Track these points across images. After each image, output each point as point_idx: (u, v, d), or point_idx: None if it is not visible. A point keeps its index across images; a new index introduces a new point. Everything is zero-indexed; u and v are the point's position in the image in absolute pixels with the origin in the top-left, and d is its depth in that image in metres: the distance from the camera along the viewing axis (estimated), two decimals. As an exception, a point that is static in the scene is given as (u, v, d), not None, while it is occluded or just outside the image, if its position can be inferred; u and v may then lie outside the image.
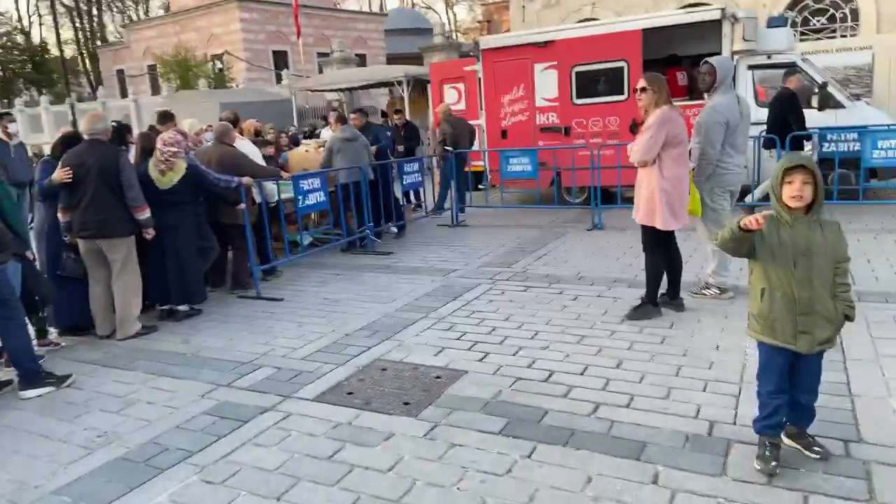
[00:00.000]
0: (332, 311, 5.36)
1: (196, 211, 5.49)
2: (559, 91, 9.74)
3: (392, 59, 31.47)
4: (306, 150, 8.34)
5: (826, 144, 8.14)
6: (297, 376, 3.98)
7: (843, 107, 8.61)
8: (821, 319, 2.54)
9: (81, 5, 44.24)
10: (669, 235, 4.63)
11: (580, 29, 9.76)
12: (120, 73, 36.34)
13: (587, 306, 5.05)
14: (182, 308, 5.40)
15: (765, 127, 8.53)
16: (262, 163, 6.46)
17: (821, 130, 8.14)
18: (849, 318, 2.58)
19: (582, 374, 3.75)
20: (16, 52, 37.24)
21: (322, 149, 8.40)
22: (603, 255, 6.78)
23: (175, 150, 5.30)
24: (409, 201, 10.66)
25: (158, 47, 31.08)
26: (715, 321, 4.48)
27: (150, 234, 5.04)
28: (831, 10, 14.68)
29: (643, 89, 4.41)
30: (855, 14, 14.33)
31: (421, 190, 10.13)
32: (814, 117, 8.53)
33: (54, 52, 47.76)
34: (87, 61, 44.06)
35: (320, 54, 30.11)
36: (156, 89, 31.57)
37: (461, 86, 11.30)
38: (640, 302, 4.75)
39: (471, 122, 11.00)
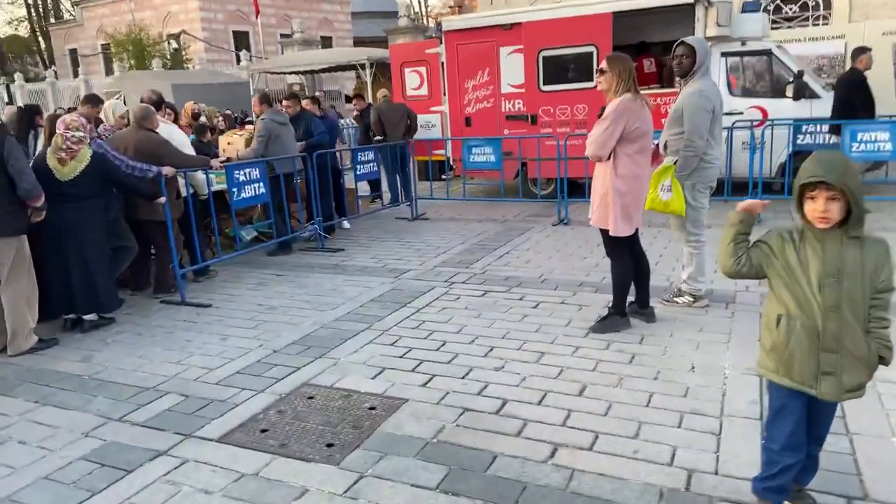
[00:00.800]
0: (264, 321, 4.75)
1: (106, 206, 4.80)
2: (526, 77, 9.18)
3: (359, 43, 30.54)
4: (229, 143, 7.47)
5: (801, 136, 7.76)
6: (205, 407, 3.37)
7: (818, 97, 8.24)
8: (850, 359, 2.01)
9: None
10: (632, 237, 4.12)
11: (548, 11, 9.19)
12: (73, 52, 34.57)
13: (549, 315, 4.53)
14: (89, 318, 4.72)
15: (737, 117, 8.15)
16: (191, 150, 5.77)
17: (796, 122, 7.77)
18: (884, 360, 2.04)
19: (539, 403, 3.22)
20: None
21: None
22: (568, 253, 6.27)
23: (81, 134, 4.60)
24: (374, 191, 10.02)
25: (112, 26, 29.56)
26: (689, 335, 3.99)
27: (39, 216, 4.33)
28: (804, -2, 14.42)
29: (601, 71, 3.87)
30: (827, 3, 14.05)
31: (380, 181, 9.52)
32: (788, 108, 8.17)
33: (7, 30, 45.57)
34: (40, 40, 41.89)
35: (283, 35, 29.00)
36: (110, 70, 30.08)
37: (423, 69, 10.65)
38: (606, 312, 4.25)
39: (435, 107, 10.41)
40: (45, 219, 4.45)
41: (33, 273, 4.38)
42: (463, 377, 3.57)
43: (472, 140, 8.60)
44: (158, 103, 5.78)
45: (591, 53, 8.78)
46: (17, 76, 26.38)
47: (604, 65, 3.81)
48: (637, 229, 4.08)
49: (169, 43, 26.30)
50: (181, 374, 3.84)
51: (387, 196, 9.41)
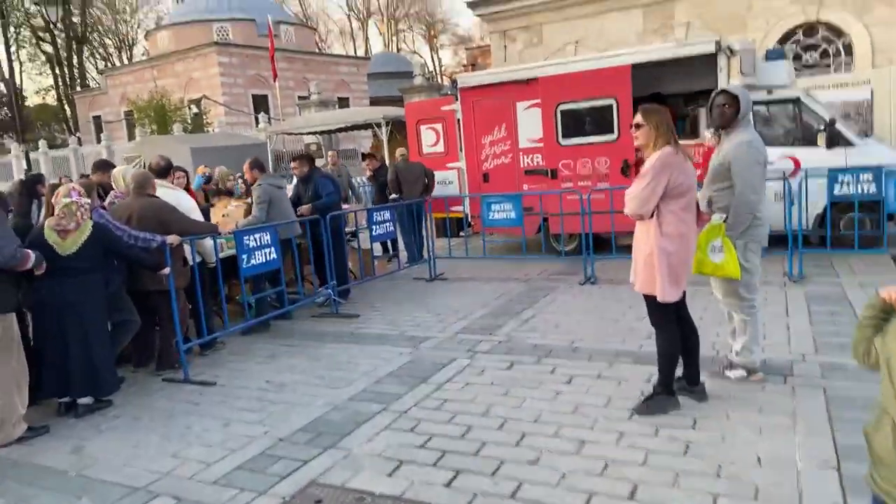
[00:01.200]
0: (272, 402, 4.35)
1: (107, 279, 4.51)
2: (544, 131, 8.97)
3: (375, 103, 31.05)
4: (224, 215, 7.11)
5: (839, 186, 7.36)
6: (198, 514, 2.95)
7: (852, 145, 7.88)
8: None
9: (62, 52, 43.76)
10: (679, 303, 3.70)
11: (565, 65, 9.05)
12: (97, 119, 35.62)
13: (586, 392, 4.08)
14: (84, 401, 4.36)
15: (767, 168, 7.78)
16: (199, 216, 5.52)
17: (832, 171, 7.38)
18: None
19: (584, 509, 2.76)
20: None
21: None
22: (599, 316, 5.84)
23: (89, 201, 4.38)
24: (386, 251, 9.83)
25: (136, 93, 30.46)
26: (749, 417, 3.52)
27: (40, 270, 4.06)
28: (823, 46, 14.22)
29: (637, 125, 3.54)
30: (848, 49, 13.86)
31: (397, 241, 9.29)
32: (822, 157, 7.80)
33: (36, 99, 47.30)
34: (66, 108, 43.34)
35: (301, 97, 29.61)
36: (133, 135, 30.82)
37: (439, 126, 10.50)
38: (651, 390, 3.79)
39: (451, 164, 10.23)
40: (43, 296, 4.18)
41: (23, 355, 4.06)
42: (493, 473, 3.12)
43: (492, 197, 8.32)
44: (167, 169, 5.58)
45: (610, 106, 8.57)
46: (42, 143, 27.03)
47: (639, 118, 3.49)
48: (684, 293, 3.68)
49: (189, 108, 26.92)
50: (176, 469, 3.43)
51: (404, 255, 9.11)
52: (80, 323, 4.29)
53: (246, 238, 5.59)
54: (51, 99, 46.46)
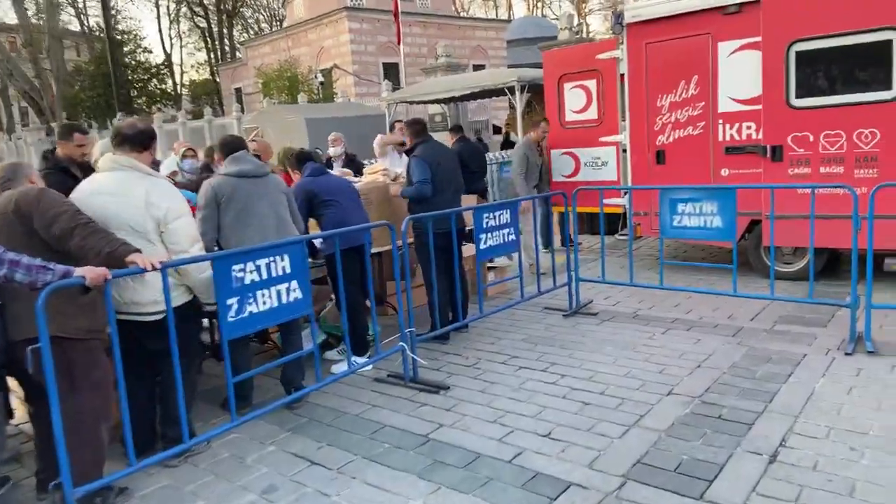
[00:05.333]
0: None
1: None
2: (764, 86, 5.67)
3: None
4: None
5: None
6: None
7: None
8: None
9: (213, 26, 45.12)
10: None
11: (809, -23, 5.59)
12: (238, 91, 35.92)
13: None
14: None
15: None
16: (191, 228, 3.03)
17: None
18: None
19: None
20: (140, 71, 38.13)
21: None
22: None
23: None
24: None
25: (271, 64, 29.88)
26: None
27: None
28: None
29: None
30: None
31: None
32: None
33: (193, 74, 49.58)
34: (216, 80, 44.81)
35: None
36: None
37: (591, 84, 7.42)
38: None
39: (607, 137, 7.14)
40: None
41: None
42: None
43: (679, 190, 5.16)
44: (142, 137, 3.02)
45: (887, 43, 5.13)
46: (181, 114, 27.21)
47: None
48: None
49: (316, 77, 25.62)
50: None
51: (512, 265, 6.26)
52: None
53: (237, 268, 3.05)
54: (204, 73, 48.42)
